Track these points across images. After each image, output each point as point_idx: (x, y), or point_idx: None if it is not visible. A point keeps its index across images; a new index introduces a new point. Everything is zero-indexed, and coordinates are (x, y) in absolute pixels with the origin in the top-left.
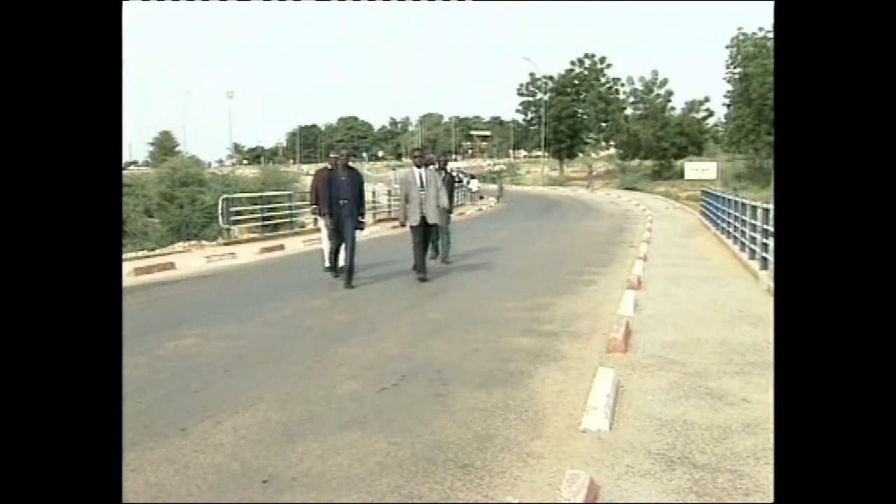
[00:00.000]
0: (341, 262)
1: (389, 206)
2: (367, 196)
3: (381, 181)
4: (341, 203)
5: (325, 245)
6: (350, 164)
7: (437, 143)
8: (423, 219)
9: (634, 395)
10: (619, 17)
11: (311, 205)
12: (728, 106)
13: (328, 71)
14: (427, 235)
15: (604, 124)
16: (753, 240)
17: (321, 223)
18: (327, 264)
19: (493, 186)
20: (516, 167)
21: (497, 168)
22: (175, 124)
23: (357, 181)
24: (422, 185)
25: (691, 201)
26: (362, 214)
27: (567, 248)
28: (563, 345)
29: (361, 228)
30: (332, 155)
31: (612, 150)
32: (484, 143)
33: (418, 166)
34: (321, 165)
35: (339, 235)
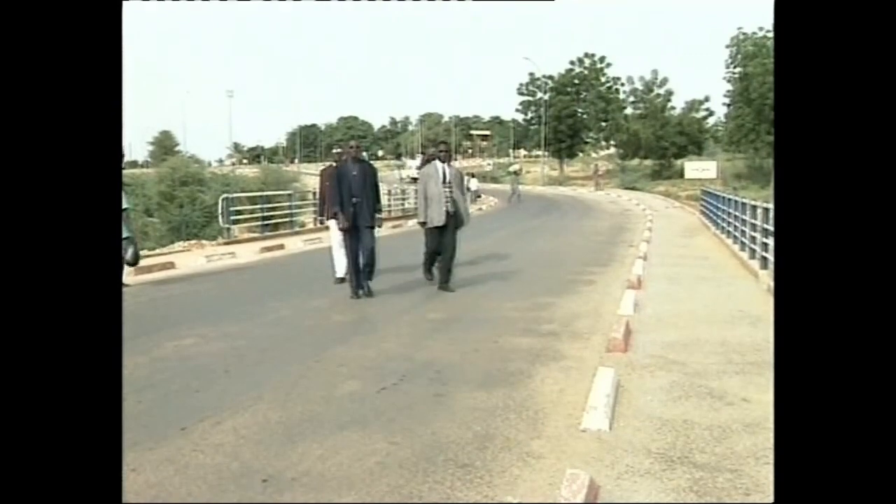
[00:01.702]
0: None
1: (389, 205)
2: None
3: (381, 181)
4: (354, 202)
5: (336, 252)
6: (360, 157)
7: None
8: (448, 218)
9: (634, 395)
10: (619, 17)
11: (318, 210)
12: (728, 105)
13: (328, 71)
14: (448, 237)
15: (604, 124)
16: (753, 239)
17: (332, 227)
18: (339, 275)
19: (495, 186)
20: None
21: (513, 168)
22: (175, 124)
23: (370, 175)
24: (444, 181)
25: (691, 201)
26: (379, 210)
27: (567, 247)
28: (562, 344)
29: (379, 226)
30: (335, 150)
31: (612, 150)
32: (484, 143)
33: (442, 161)
34: (322, 165)
35: (354, 241)
